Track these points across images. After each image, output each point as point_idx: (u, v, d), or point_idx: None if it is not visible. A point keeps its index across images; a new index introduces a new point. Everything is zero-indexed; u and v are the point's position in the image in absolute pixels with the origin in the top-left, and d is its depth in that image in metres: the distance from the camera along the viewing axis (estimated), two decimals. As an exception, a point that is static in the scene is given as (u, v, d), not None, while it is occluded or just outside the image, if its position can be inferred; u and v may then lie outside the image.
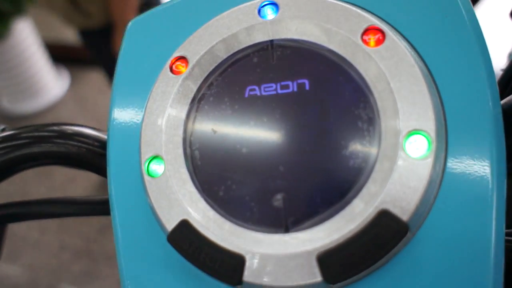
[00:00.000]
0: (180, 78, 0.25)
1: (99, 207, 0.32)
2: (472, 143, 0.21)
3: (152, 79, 0.26)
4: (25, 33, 2.07)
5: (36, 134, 0.30)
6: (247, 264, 0.21)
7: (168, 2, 0.28)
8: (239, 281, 0.21)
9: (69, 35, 2.35)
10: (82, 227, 1.90)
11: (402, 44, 0.21)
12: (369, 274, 0.21)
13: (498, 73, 0.36)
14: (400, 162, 0.20)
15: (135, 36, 0.29)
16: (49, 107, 2.29)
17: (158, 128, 0.24)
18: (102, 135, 0.31)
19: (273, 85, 0.24)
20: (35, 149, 0.30)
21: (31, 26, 2.11)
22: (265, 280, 0.21)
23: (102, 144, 0.31)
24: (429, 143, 0.20)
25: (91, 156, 0.30)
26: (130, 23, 0.29)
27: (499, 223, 0.20)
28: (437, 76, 0.22)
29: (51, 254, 1.86)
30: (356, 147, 0.21)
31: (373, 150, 0.21)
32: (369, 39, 0.22)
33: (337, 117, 0.22)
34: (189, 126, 0.24)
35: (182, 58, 0.25)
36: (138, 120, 0.26)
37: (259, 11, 0.24)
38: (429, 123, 0.20)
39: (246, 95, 0.24)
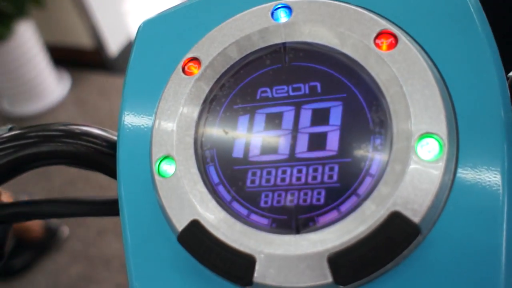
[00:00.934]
0: (193, 79, 0.25)
1: (107, 207, 0.32)
2: (484, 147, 0.21)
3: (163, 80, 0.26)
4: (27, 35, 2.08)
5: (45, 133, 0.30)
6: (258, 264, 0.21)
7: (180, 3, 0.29)
8: (250, 281, 0.21)
9: (71, 38, 2.35)
10: (80, 230, 1.89)
11: (414, 48, 0.22)
12: (380, 276, 0.21)
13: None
14: (412, 165, 0.20)
15: (147, 36, 0.29)
16: (49, 109, 2.29)
17: (170, 129, 0.24)
18: (111, 136, 0.31)
19: (285, 87, 0.24)
20: (44, 148, 0.30)
21: (33, 28, 2.11)
22: (276, 281, 0.21)
23: (111, 145, 0.31)
24: (441, 146, 0.20)
25: (100, 156, 0.30)
26: (142, 24, 0.29)
27: (510, 227, 0.20)
28: (449, 80, 0.22)
29: (48, 257, 1.85)
30: (368, 149, 0.21)
31: (385, 153, 0.21)
32: (382, 43, 0.22)
33: (349, 120, 0.22)
34: (200, 127, 0.25)
35: (194, 59, 0.25)
36: (149, 120, 0.26)
37: (272, 14, 0.25)
38: (441, 127, 0.20)
39: (258, 96, 0.24)
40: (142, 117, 0.27)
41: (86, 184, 2.00)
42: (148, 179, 0.25)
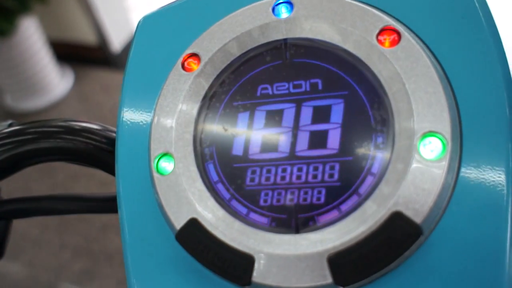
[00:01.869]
0: (192, 75, 0.25)
1: (106, 204, 0.32)
2: (488, 146, 0.20)
3: (163, 76, 0.26)
4: (30, 31, 2.08)
5: (44, 129, 0.30)
6: (256, 264, 0.21)
7: None
8: (248, 281, 0.21)
9: (74, 33, 2.35)
10: (82, 225, 1.90)
11: (418, 45, 0.21)
12: (380, 277, 0.20)
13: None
14: (414, 164, 0.20)
15: (146, 32, 0.28)
16: (52, 105, 2.29)
17: (169, 125, 0.24)
18: (110, 133, 0.31)
19: (286, 84, 0.23)
20: (43, 144, 0.30)
21: (36, 23, 2.11)
22: (275, 281, 0.20)
23: (110, 141, 0.31)
24: (444, 145, 0.20)
25: (99, 153, 0.30)
26: (141, 19, 0.29)
27: None
28: (452, 78, 0.21)
29: (51, 253, 1.85)
30: (370, 148, 0.21)
31: (387, 151, 0.21)
32: (385, 39, 0.22)
33: (350, 118, 0.22)
34: (200, 124, 0.24)
35: (194, 55, 0.25)
36: (148, 117, 0.26)
37: (273, 10, 0.24)
38: (445, 125, 0.20)
39: (258, 93, 0.24)
40: (141, 113, 0.26)
41: (90, 180, 2.01)
42: (146, 176, 0.25)
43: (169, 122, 0.24)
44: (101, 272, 1.77)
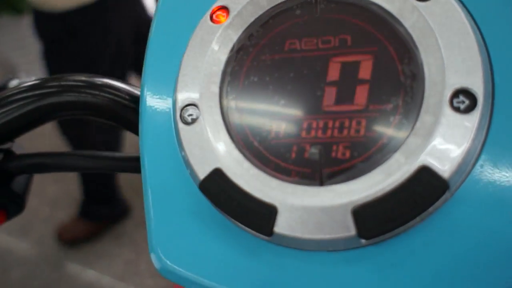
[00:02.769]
0: (221, 27, 0.25)
1: (129, 163, 0.32)
2: None
3: (191, 28, 0.26)
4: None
5: (68, 83, 0.30)
6: (279, 215, 0.21)
7: None
8: (271, 231, 0.21)
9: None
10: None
11: (454, 1, 0.21)
12: (404, 232, 0.20)
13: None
14: (443, 118, 0.19)
15: None
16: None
17: (195, 76, 0.24)
18: (134, 90, 0.31)
19: (314, 39, 0.23)
20: (66, 98, 0.30)
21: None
22: (297, 232, 0.20)
23: (134, 99, 0.31)
24: (476, 101, 0.19)
25: (122, 109, 0.30)
26: None
27: None
28: (487, 36, 0.21)
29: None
30: (398, 102, 0.21)
31: (416, 106, 0.20)
32: None
33: (379, 74, 0.22)
34: (226, 76, 0.24)
35: (223, 8, 0.25)
36: (174, 69, 0.26)
37: None
38: (477, 81, 0.20)
39: (286, 48, 0.24)
40: (167, 64, 0.26)
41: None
42: (170, 130, 0.25)
43: (196, 73, 0.24)
44: (109, 251, 1.79)
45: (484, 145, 0.20)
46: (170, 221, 0.24)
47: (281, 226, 0.21)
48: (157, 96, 0.26)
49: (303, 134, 0.22)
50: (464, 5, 0.22)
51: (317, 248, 0.21)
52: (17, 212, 0.34)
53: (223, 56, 0.24)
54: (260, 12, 0.24)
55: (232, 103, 0.24)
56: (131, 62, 1.56)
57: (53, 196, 2.03)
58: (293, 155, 0.22)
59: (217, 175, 0.22)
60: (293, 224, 0.20)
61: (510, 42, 0.21)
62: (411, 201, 0.19)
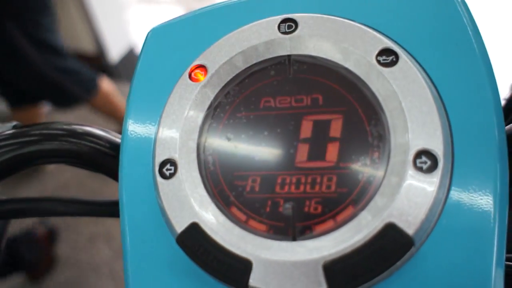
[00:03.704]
0: (199, 85, 0.26)
1: (107, 208, 0.32)
2: (477, 165, 0.21)
3: (170, 85, 0.27)
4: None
5: (49, 131, 0.31)
6: (254, 269, 0.21)
7: (189, 12, 0.29)
8: (245, 285, 0.21)
9: (74, 42, 2.36)
10: (71, 235, 1.88)
11: (414, 66, 0.22)
12: (373, 286, 0.21)
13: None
14: (408, 178, 0.21)
15: (155, 43, 0.29)
16: (49, 111, 2.29)
17: (174, 132, 0.25)
18: (114, 138, 0.32)
19: (288, 98, 0.25)
20: (47, 146, 0.30)
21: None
22: (271, 286, 0.21)
23: (113, 146, 0.31)
24: (436, 161, 0.21)
25: (102, 157, 0.31)
26: (150, 31, 0.30)
27: (500, 246, 0.20)
28: (446, 99, 0.23)
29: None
30: (366, 161, 0.22)
31: (382, 165, 0.22)
32: (383, 60, 0.23)
33: (348, 132, 0.23)
34: (204, 132, 0.25)
35: (201, 67, 0.26)
36: (153, 124, 0.27)
37: (278, 27, 0.25)
38: (438, 143, 0.21)
39: (261, 106, 0.25)
40: (147, 119, 0.27)
41: (79, 188, 1.99)
42: (149, 181, 0.26)
43: (175, 129, 0.25)
44: (87, 282, 1.74)
45: (446, 201, 0.21)
46: (147, 272, 0.24)
47: (256, 280, 0.21)
48: (137, 148, 0.27)
49: (277, 189, 0.23)
50: (425, 71, 0.23)
51: None
52: None
53: (201, 113, 0.25)
54: (237, 72, 0.26)
55: (209, 158, 0.24)
56: None
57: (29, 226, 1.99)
58: (268, 209, 0.23)
59: (194, 229, 0.22)
60: (267, 279, 0.21)
61: (467, 106, 0.22)
62: (379, 256, 0.20)
